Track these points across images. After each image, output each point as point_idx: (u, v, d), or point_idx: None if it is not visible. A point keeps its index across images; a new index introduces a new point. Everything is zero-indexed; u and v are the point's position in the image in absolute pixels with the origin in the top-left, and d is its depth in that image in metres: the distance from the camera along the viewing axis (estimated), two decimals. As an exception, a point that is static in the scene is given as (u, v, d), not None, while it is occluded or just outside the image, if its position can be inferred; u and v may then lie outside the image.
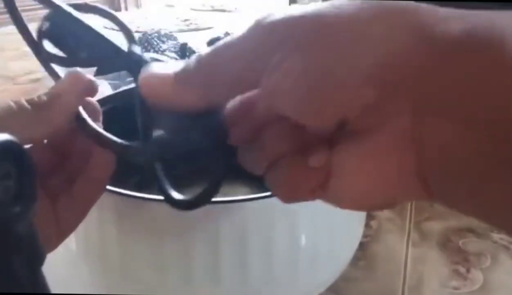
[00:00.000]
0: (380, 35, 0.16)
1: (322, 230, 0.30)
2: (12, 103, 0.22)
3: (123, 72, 0.69)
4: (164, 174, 0.22)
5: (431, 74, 0.15)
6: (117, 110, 0.39)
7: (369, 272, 0.43)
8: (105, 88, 0.60)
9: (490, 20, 0.15)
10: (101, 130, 0.23)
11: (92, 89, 0.24)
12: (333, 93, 0.16)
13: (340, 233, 0.33)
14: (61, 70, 0.25)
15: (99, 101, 0.40)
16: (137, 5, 2.18)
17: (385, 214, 0.52)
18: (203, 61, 0.19)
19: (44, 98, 0.23)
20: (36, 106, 0.22)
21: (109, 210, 0.28)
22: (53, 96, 0.23)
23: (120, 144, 0.22)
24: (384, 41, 0.16)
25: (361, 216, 0.36)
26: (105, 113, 0.38)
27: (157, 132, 0.23)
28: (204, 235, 0.27)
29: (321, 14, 0.17)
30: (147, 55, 0.24)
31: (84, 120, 0.23)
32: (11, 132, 0.18)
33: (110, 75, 0.67)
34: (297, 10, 0.17)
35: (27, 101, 0.22)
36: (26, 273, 0.16)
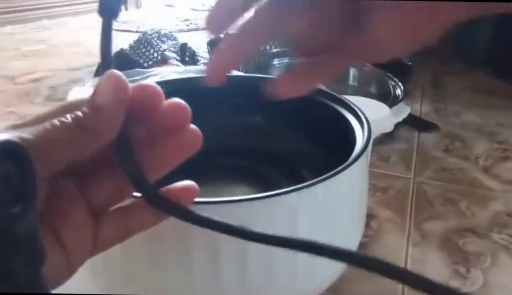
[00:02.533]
0: None
1: (322, 230, 0.30)
2: (55, 122, 0.18)
3: (123, 73, 0.69)
4: None
5: None
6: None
7: (369, 272, 0.43)
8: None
9: None
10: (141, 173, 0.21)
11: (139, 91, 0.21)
12: None
13: (340, 233, 0.33)
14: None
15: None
16: (137, 5, 2.18)
17: (385, 214, 0.52)
18: None
19: (86, 112, 0.19)
20: (78, 123, 0.19)
21: (109, 210, 0.28)
22: (94, 110, 0.19)
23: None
24: None
25: (361, 216, 0.36)
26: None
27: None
28: (204, 235, 0.27)
29: None
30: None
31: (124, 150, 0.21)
32: (53, 152, 0.18)
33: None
34: None
35: (67, 120, 0.19)
36: (26, 273, 0.15)
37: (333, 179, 0.28)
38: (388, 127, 0.46)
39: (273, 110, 0.44)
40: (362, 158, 0.31)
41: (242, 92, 0.44)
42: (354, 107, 0.38)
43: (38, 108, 0.83)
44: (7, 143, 0.15)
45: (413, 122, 0.75)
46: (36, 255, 0.16)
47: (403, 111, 0.68)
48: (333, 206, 0.31)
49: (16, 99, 0.88)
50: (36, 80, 0.99)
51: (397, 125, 0.64)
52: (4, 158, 0.15)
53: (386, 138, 0.68)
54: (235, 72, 0.72)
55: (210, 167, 0.45)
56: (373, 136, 0.34)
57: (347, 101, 0.39)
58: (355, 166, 0.30)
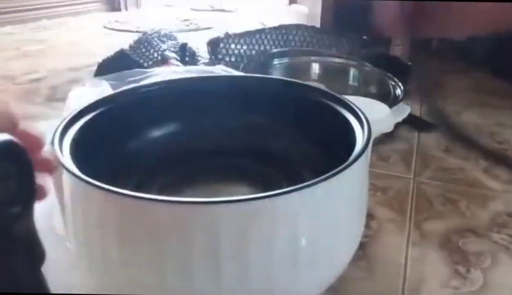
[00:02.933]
0: None
1: (322, 230, 0.30)
2: None
3: (123, 73, 0.69)
4: None
5: None
6: (117, 110, 0.39)
7: (369, 272, 0.43)
8: (105, 88, 0.60)
9: None
10: None
11: None
12: None
13: (340, 233, 0.33)
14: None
15: (99, 101, 0.40)
16: (137, 5, 2.18)
17: (385, 214, 0.52)
18: None
19: None
20: None
21: (109, 210, 0.28)
22: None
23: None
24: None
25: (361, 216, 0.36)
26: (105, 113, 0.38)
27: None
28: (204, 235, 0.27)
29: None
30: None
31: None
32: None
33: (110, 75, 0.67)
34: None
35: None
36: (26, 273, 0.15)
37: (333, 179, 0.28)
38: (388, 127, 0.46)
39: (273, 110, 0.44)
40: (362, 158, 0.31)
41: (242, 92, 0.44)
42: (354, 107, 0.38)
43: (38, 108, 0.83)
44: (7, 144, 0.15)
45: (413, 122, 0.75)
46: (36, 255, 0.16)
47: (403, 111, 0.68)
48: (333, 206, 0.31)
49: (16, 99, 0.88)
50: (36, 80, 0.99)
51: (397, 125, 0.64)
52: (4, 158, 0.15)
53: (386, 138, 0.68)
54: (235, 72, 0.72)
55: (210, 167, 0.45)
56: (373, 136, 0.34)
57: (347, 101, 0.39)
58: (355, 166, 0.30)
